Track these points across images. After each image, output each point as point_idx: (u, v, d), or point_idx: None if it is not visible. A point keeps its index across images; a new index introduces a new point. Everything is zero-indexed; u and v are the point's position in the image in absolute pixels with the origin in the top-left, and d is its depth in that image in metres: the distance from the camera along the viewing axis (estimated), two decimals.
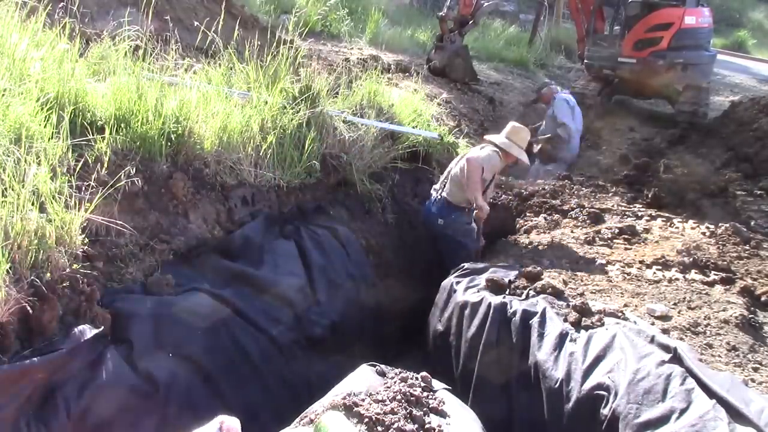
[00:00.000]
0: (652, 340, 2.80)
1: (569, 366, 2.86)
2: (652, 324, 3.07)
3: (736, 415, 2.32)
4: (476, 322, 3.35)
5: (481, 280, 3.60)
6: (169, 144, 3.59)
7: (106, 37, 4.13)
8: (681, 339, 2.93)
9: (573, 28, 10.87)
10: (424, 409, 2.31)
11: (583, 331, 2.99)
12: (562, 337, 2.99)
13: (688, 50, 8.09)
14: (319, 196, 4.65)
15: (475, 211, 4.58)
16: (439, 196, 4.72)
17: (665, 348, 2.72)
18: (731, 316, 3.15)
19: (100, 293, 2.77)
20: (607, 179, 5.88)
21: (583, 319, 3.06)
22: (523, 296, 3.36)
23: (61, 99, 3.30)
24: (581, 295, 3.43)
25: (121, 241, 3.12)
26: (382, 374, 2.50)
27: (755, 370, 2.78)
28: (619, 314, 3.10)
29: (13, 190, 2.54)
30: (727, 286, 3.60)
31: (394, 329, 4.51)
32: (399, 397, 2.28)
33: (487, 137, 4.93)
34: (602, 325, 3.00)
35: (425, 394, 2.40)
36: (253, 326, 3.35)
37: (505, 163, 4.73)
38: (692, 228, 4.56)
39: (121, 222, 2.97)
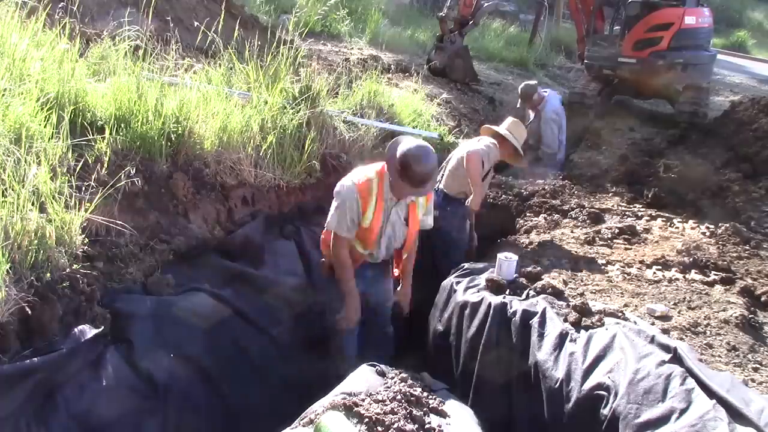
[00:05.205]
0: (652, 340, 2.80)
1: (569, 366, 2.86)
2: (652, 324, 3.07)
3: (736, 415, 2.32)
4: (476, 322, 3.35)
5: (481, 280, 3.60)
6: (169, 144, 3.59)
7: (106, 37, 4.14)
8: (681, 339, 2.93)
9: (573, 28, 10.87)
10: (424, 409, 2.31)
11: (583, 331, 2.99)
12: (562, 337, 2.99)
13: (688, 50, 8.09)
14: (319, 196, 4.64)
15: (468, 203, 4.49)
16: (436, 188, 4.69)
17: (665, 348, 2.72)
18: (731, 316, 3.14)
19: (100, 293, 2.77)
20: (607, 179, 5.88)
21: (583, 319, 3.06)
22: (523, 296, 3.36)
23: (61, 99, 3.30)
24: (581, 295, 3.43)
25: (121, 241, 3.12)
26: (382, 374, 2.50)
27: (755, 370, 2.78)
28: (619, 314, 3.10)
29: (13, 190, 2.54)
30: (727, 286, 3.60)
31: (394, 329, 4.50)
32: (399, 397, 2.28)
33: (485, 126, 4.89)
34: (602, 325, 3.00)
35: (425, 394, 2.40)
36: (253, 326, 3.35)
37: (500, 156, 4.67)
38: (692, 228, 4.56)
39: (121, 222, 2.97)
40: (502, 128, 4.71)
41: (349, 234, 3.27)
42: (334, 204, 3.29)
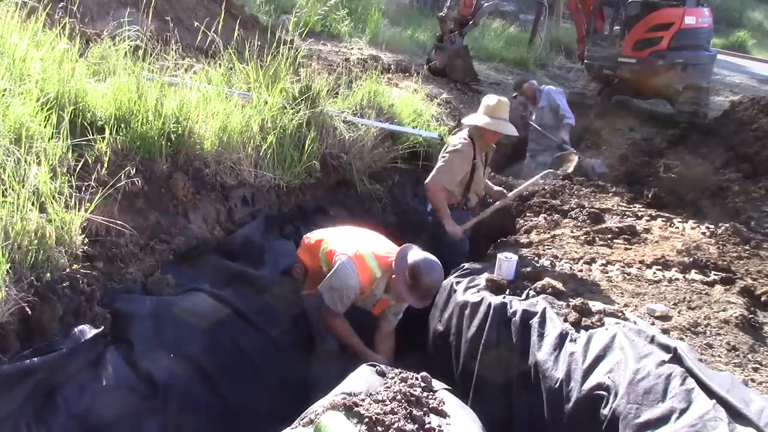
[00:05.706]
0: (652, 340, 2.80)
1: (569, 366, 2.86)
2: (652, 324, 3.07)
3: (736, 415, 2.32)
4: (476, 322, 3.35)
5: (481, 280, 3.60)
6: (169, 144, 3.59)
7: (106, 37, 4.13)
8: (681, 339, 2.93)
9: (573, 28, 10.87)
10: (424, 409, 2.30)
11: (583, 331, 2.99)
12: (562, 337, 2.99)
13: (688, 50, 8.10)
14: (319, 196, 4.65)
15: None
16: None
17: (665, 348, 2.72)
18: (731, 316, 3.14)
19: (100, 293, 2.77)
20: (607, 179, 5.88)
21: (583, 319, 3.06)
22: (523, 296, 3.36)
23: (61, 99, 3.30)
24: (581, 295, 3.43)
25: (121, 241, 3.12)
26: (382, 374, 2.50)
27: (755, 370, 2.77)
28: (619, 314, 3.10)
29: (13, 190, 2.54)
30: (727, 286, 3.59)
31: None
32: (399, 397, 2.28)
33: (464, 120, 4.60)
34: (602, 325, 3.00)
35: (425, 394, 2.40)
36: (253, 326, 3.35)
37: (486, 145, 4.48)
38: (692, 228, 4.56)
39: (121, 222, 2.97)
40: (479, 116, 4.36)
41: (343, 309, 3.46)
42: (330, 283, 3.38)
